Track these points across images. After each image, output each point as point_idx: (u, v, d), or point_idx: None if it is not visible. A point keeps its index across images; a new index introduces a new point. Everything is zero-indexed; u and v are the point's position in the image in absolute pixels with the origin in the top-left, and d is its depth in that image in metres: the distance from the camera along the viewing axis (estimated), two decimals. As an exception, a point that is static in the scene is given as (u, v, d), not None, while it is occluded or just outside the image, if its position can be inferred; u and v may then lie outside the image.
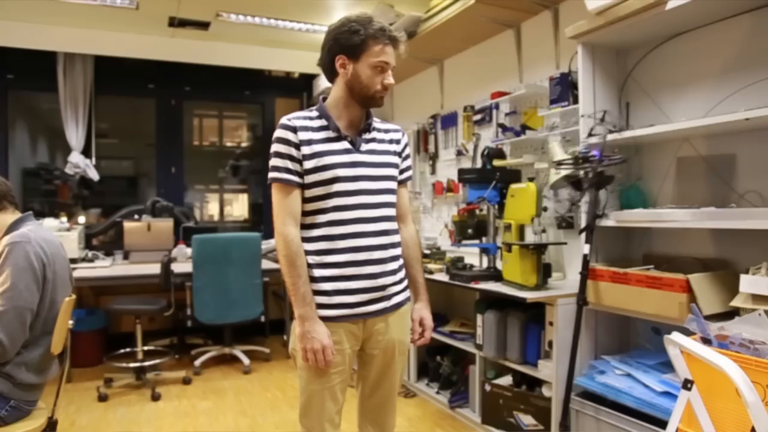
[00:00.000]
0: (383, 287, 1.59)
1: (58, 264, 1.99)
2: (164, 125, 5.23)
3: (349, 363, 1.61)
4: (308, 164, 1.54)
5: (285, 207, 1.54)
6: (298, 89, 5.63)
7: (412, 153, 4.29)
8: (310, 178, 1.54)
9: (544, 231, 2.74)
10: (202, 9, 4.04)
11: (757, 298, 1.72)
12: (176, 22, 4.28)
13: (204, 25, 4.37)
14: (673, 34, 2.28)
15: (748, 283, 1.74)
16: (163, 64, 4.84)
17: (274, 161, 1.56)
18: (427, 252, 3.72)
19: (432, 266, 3.36)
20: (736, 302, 1.78)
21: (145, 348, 3.89)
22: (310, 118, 1.59)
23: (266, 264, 4.27)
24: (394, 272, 1.63)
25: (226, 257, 3.99)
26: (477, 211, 3.05)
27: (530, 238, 2.75)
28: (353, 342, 1.59)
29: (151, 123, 5.23)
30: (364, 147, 1.61)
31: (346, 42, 1.54)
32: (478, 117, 3.57)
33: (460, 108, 3.75)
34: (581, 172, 2.26)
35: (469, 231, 3.02)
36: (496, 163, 3.08)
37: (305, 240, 1.56)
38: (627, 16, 2.08)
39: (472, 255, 3.23)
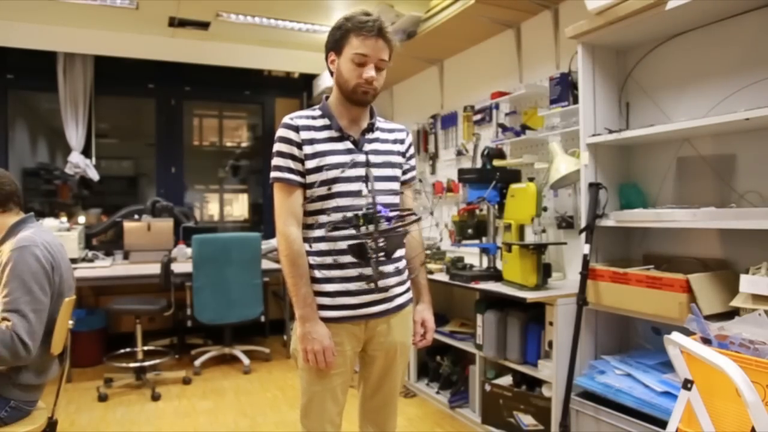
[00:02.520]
0: (386, 288, 1.59)
1: (63, 266, 2.00)
2: (164, 125, 5.22)
3: (351, 364, 1.61)
4: (310, 164, 1.53)
5: (287, 207, 1.54)
6: (298, 89, 5.63)
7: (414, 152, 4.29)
8: (311, 178, 1.54)
9: (544, 231, 2.74)
10: (202, 9, 4.04)
11: (757, 298, 1.71)
12: (176, 22, 4.28)
13: (204, 25, 4.37)
14: (673, 34, 2.28)
15: (748, 283, 1.74)
16: (163, 64, 4.84)
17: (276, 161, 1.55)
18: (427, 252, 3.72)
19: (432, 266, 3.36)
20: (736, 302, 1.78)
21: (145, 348, 3.89)
22: (313, 117, 1.59)
23: (266, 264, 4.27)
24: (396, 273, 1.63)
25: (226, 257, 3.99)
26: (477, 211, 3.04)
27: (530, 238, 2.75)
28: (355, 343, 1.59)
29: (151, 123, 5.23)
30: (367, 147, 1.60)
31: (332, 38, 1.55)
32: (478, 117, 3.57)
33: (460, 108, 3.75)
34: (364, 235, 1.47)
35: (469, 231, 3.02)
36: (496, 163, 3.08)
37: (307, 240, 1.56)
38: (627, 16, 2.08)
39: (472, 255, 3.23)
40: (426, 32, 3.42)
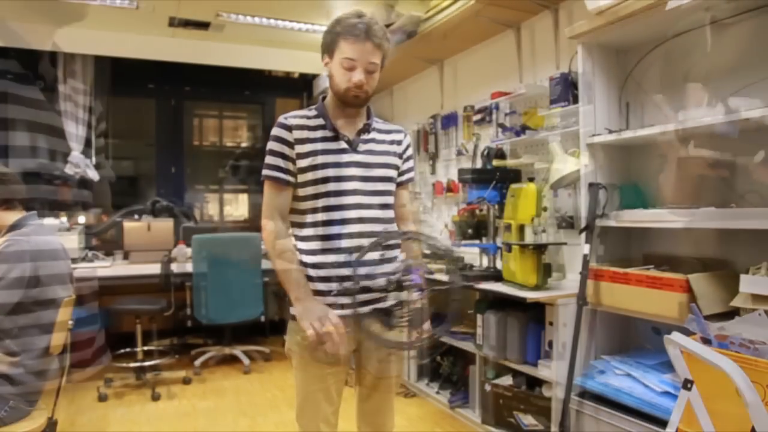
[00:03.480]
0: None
1: (56, 265, 1.99)
2: (164, 125, 5.23)
3: (345, 364, 1.61)
4: (302, 163, 1.54)
5: (274, 204, 1.56)
6: (298, 89, 5.63)
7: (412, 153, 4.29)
8: (303, 177, 1.55)
9: (544, 231, 2.74)
10: (202, 9, 4.04)
11: (757, 298, 1.71)
12: (176, 22, 4.28)
13: (204, 25, 4.37)
14: (673, 34, 2.28)
15: (748, 283, 1.74)
16: (163, 64, 4.83)
17: (267, 158, 1.57)
18: (427, 252, 3.72)
19: (432, 266, 3.35)
20: (736, 302, 1.78)
21: (145, 348, 3.89)
22: (308, 117, 1.59)
23: (266, 264, 4.26)
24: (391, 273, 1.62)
25: (226, 257, 3.99)
26: (477, 211, 3.04)
27: (530, 238, 2.75)
28: (349, 343, 1.59)
29: (151, 123, 5.23)
30: (362, 147, 1.61)
31: (324, 42, 1.57)
32: (478, 117, 3.56)
33: (460, 108, 3.75)
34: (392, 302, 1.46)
35: (469, 231, 3.02)
36: (496, 163, 3.08)
37: (299, 239, 1.57)
38: (627, 16, 2.08)
39: (472, 255, 3.22)
40: (426, 32, 3.42)
